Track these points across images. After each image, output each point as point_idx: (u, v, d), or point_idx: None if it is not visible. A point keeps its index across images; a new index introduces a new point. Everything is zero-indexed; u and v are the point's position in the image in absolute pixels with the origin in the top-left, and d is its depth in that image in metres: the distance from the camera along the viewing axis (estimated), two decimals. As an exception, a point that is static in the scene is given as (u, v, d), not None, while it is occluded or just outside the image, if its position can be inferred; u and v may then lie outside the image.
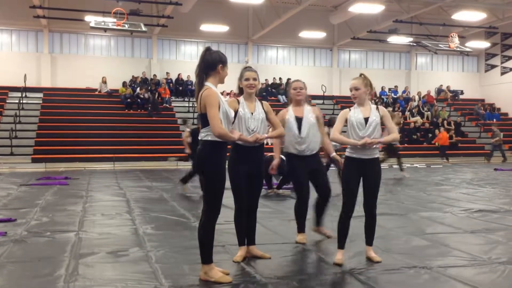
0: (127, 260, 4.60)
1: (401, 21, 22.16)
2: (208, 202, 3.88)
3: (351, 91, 4.52)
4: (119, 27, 18.18)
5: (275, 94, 24.99)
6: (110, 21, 18.21)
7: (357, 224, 4.88)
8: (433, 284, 3.92)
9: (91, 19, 18.55)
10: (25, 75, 21.07)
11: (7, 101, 20.94)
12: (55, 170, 15.70)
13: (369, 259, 4.49)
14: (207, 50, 4.04)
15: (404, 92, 27.26)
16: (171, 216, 6.93)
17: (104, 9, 18.60)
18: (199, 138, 3.95)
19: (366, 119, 4.42)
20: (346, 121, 4.47)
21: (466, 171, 15.47)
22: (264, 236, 5.58)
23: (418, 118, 24.75)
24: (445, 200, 8.77)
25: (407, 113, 25.26)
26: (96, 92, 22.64)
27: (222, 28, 23.74)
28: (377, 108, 4.53)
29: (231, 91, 23.37)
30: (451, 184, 11.39)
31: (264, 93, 24.78)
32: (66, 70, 22.92)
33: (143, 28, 18.42)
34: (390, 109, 25.39)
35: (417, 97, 26.88)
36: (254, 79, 4.62)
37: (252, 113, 4.53)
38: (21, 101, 20.62)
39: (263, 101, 4.79)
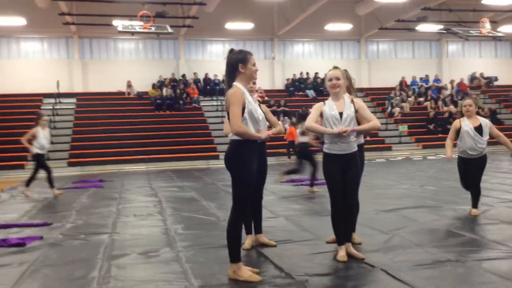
0: (158, 260, 4.66)
1: (429, 9, 21.64)
2: (236, 201, 3.89)
3: (331, 80, 4.39)
4: (146, 30, 18.40)
5: (302, 89, 24.85)
6: (137, 25, 18.46)
7: (380, 218, 4.80)
8: (468, 278, 3.82)
9: (119, 24, 18.85)
10: (57, 81, 21.59)
11: (42, 107, 21.48)
12: (90, 173, 16.07)
13: (352, 256, 4.36)
14: (229, 52, 4.07)
15: (436, 81, 26.65)
16: (202, 216, 6.98)
17: (131, 13, 18.85)
18: (228, 137, 3.97)
19: (341, 114, 4.34)
20: (321, 114, 4.39)
21: (503, 159, 15.02)
22: (295, 233, 5.57)
23: (451, 107, 24.17)
24: (483, 191, 8.51)
25: (439, 103, 24.70)
26: (125, 95, 23.00)
27: (247, 25, 23.75)
28: (352, 101, 4.43)
29: (258, 88, 23.38)
30: (486, 174, 11.05)
31: (291, 88, 24.70)
32: (97, 74, 23.37)
33: (169, 30, 18.59)
34: (422, 99, 24.91)
35: (449, 86, 26.25)
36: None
37: None
38: (55, 107, 21.15)
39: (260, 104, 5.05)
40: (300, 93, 24.72)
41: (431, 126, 22.26)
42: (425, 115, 23.16)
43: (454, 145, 6.36)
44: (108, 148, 18.90)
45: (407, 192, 8.77)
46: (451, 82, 26.43)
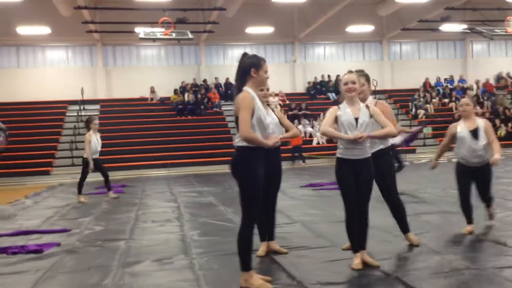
0: (172, 267, 4.66)
1: (453, 8, 21.26)
2: (245, 209, 3.85)
3: (346, 84, 4.30)
4: (167, 36, 18.56)
5: (324, 92, 24.69)
6: (158, 31, 18.64)
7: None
8: (486, 287, 3.69)
9: (140, 31, 19.06)
10: (82, 89, 21.97)
11: (67, 114, 21.90)
12: (113, 179, 16.23)
13: (367, 264, 4.26)
14: (242, 56, 4.04)
15: (461, 81, 26.13)
16: (218, 222, 6.96)
17: (152, 20, 19.04)
18: (234, 143, 3.93)
19: (357, 119, 4.25)
20: (336, 118, 4.31)
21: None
22: (310, 240, 5.50)
23: (477, 108, 23.65)
24: (505, 194, 8.30)
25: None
26: (148, 101, 23.25)
27: (268, 29, 23.74)
28: (367, 106, 4.35)
29: (279, 92, 23.34)
30: (509, 177, 10.79)
31: (313, 91, 24.57)
32: (120, 81, 23.69)
33: (190, 36, 18.71)
34: (447, 100, 24.46)
35: (475, 86, 25.71)
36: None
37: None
38: (79, 114, 21.51)
39: (274, 109, 5.08)
40: (322, 96, 24.56)
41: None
42: (450, 116, 22.72)
43: (451, 149, 5.88)
44: (130, 153, 19.11)
45: (430, 197, 8.59)
46: (477, 82, 25.88)
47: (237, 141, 3.86)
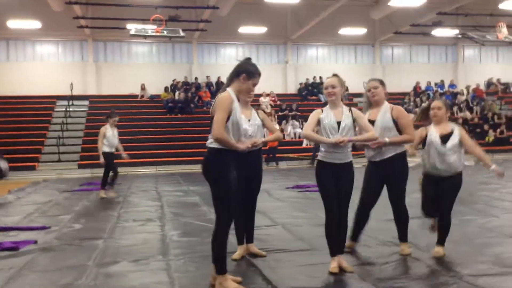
0: (147, 269, 4.59)
1: (445, 13, 21.34)
2: (218, 212, 3.80)
3: (326, 89, 4.33)
4: (158, 34, 18.46)
5: (315, 93, 24.68)
6: (149, 28, 18.53)
7: (385, 227, 4.65)
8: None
9: (131, 27, 18.93)
10: (71, 84, 21.79)
11: (55, 109, 21.70)
12: (100, 176, 16.10)
13: (343, 270, 4.23)
14: (246, 59, 4.05)
15: (451, 86, 26.24)
16: (200, 222, 6.90)
17: (144, 17, 18.92)
18: (206, 144, 3.87)
19: (339, 123, 4.23)
20: (318, 122, 4.29)
21: (518, 168, 14.65)
22: (291, 243, 5.45)
23: (466, 113, 23.78)
24: (489, 200, 8.32)
25: (454, 108, 24.30)
26: (138, 98, 23.11)
27: (261, 29, 23.68)
28: (350, 110, 4.34)
29: (270, 92, 23.30)
30: (498, 183, 10.81)
31: (304, 93, 24.56)
32: (110, 77, 23.53)
33: (181, 34, 18.62)
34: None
35: (465, 91, 25.83)
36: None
37: (249, 120, 4.69)
38: (68, 109, 21.33)
39: (258, 110, 5.01)
40: (313, 97, 24.56)
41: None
42: (439, 121, 22.79)
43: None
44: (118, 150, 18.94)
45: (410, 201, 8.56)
46: (467, 87, 26.00)
47: (209, 142, 3.81)
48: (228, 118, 3.73)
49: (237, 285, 3.81)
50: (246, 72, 3.88)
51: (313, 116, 4.33)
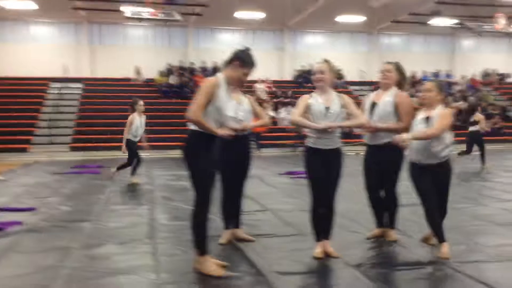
0: (133, 252, 4.56)
1: (443, 3, 21.19)
2: (196, 194, 3.79)
3: (315, 74, 4.27)
4: (154, 17, 18.26)
5: (311, 80, 24.53)
6: (145, 11, 18.32)
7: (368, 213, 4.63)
8: (444, 282, 3.65)
9: (127, 10, 18.70)
10: (65, 66, 21.58)
11: (48, 91, 21.50)
12: (92, 159, 16.05)
13: (328, 255, 4.22)
14: (246, 48, 3.98)
15: (447, 76, 26.18)
16: (190, 206, 6.82)
17: (140, -1, 18.71)
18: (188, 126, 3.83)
19: (327, 108, 4.17)
20: (306, 107, 4.22)
21: (509, 158, 14.69)
22: (279, 228, 5.43)
23: (461, 103, 23.74)
24: (480, 188, 8.32)
25: (450, 98, 24.26)
26: (133, 81, 22.93)
27: (258, 15, 23.44)
28: (338, 96, 4.28)
29: (266, 78, 23.16)
30: (489, 172, 10.83)
31: (300, 80, 24.45)
32: (105, 60, 23.30)
33: (177, 17, 18.43)
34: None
35: (461, 81, 25.78)
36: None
37: (238, 103, 4.68)
38: (61, 91, 21.15)
39: (247, 95, 4.94)
40: (309, 84, 24.42)
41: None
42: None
43: None
44: (112, 133, 18.83)
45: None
46: (463, 77, 25.95)
47: (189, 124, 3.77)
48: (211, 102, 3.67)
49: (216, 267, 3.79)
50: (239, 59, 3.83)
51: (301, 102, 4.28)
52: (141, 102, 9.89)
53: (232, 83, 3.86)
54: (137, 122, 9.61)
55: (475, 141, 12.29)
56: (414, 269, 3.92)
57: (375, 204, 4.81)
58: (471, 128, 12.40)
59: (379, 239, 4.77)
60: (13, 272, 3.96)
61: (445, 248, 4.18)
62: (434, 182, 4.28)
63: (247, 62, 3.84)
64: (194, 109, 3.64)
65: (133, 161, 9.66)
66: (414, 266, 3.99)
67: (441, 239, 4.25)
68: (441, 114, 4.21)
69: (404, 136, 4.13)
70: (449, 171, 4.37)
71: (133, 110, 9.71)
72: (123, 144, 9.56)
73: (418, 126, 4.28)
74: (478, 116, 12.58)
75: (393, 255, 4.34)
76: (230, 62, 3.85)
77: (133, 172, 9.59)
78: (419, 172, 4.31)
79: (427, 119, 4.26)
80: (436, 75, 26.18)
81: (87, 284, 3.67)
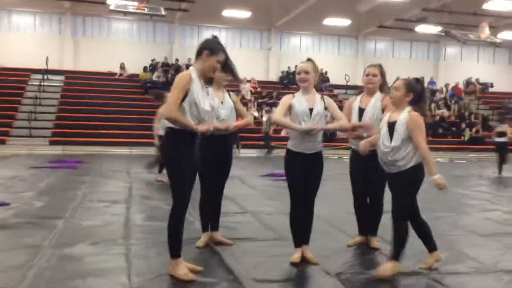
0: (105, 252, 4.38)
1: (430, 10, 21.32)
2: (174, 194, 3.66)
3: (299, 74, 4.14)
4: (139, 11, 18.00)
5: (296, 82, 24.49)
6: (130, 4, 18.05)
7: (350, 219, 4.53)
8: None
9: (112, 2, 18.39)
10: (47, 57, 21.16)
11: (29, 83, 21.07)
12: (71, 154, 15.74)
13: (307, 261, 4.11)
14: (212, 36, 3.87)
15: (431, 83, 26.37)
16: (168, 206, 6.63)
17: (125, -8, 18.40)
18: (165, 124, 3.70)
19: (311, 110, 4.07)
20: (289, 107, 4.10)
21: (490, 167, 14.80)
22: (258, 232, 5.31)
23: (444, 111, 23.95)
24: (461, 197, 8.31)
25: (432, 106, 24.44)
26: (117, 76, 22.60)
27: (245, 14, 23.33)
28: (322, 97, 4.18)
29: (251, 78, 23.05)
30: (471, 181, 10.88)
31: (285, 81, 24.40)
32: (88, 53, 22.93)
33: (163, 12, 18.19)
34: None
35: (444, 89, 26.00)
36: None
37: (222, 102, 4.54)
38: (42, 83, 20.74)
39: (230, 92, 4.80)
40: (294, 86, 24.38)
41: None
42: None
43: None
44: (93, 128, 18.54)
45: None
46: (446, 85, 26.18)
47: (166, 123, 3.64)
48: (185, 98, 3.55)
49: (187, 271, 3.65)
50: (207, 48, 3.69)
51: (284, 102, 4.15)
52: (167, 94, 9.49)
53: (207, 73, 3.73)
54: None
55: (501, 150, 12.59)
56: (395, 279, 3.83)
57: (361, 210, 4.70)
58: (498, 139, 12.77)
59: (361, 247, 4.68)
60: (-24, 271, 3.77)
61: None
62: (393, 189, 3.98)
63: (216, 49, 3.71)
64: (169, 106, 3.53)
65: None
66: (394, 275, 3.90)
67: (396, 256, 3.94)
68: (411, 124, 3.71)
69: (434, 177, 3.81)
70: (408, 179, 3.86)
71: (161, 103, 9.01)
72: (156, 137, 8.98)
73: (383, 130, 3.90)
74: (506, 127, 12.88)
75: (374, 263, 4.24)
76: (199, 54, 3.71)
77: (162, 170, 9.02)
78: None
79: (392, 125, 3.81)
80: (420, 81, 26.33)
81: (56, 286, 3.50)
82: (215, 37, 3.86)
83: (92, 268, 3.91)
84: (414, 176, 3.83)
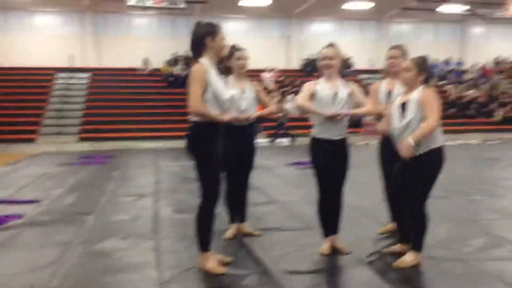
0: (135, 247, 4.39)
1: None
2: (202, 188, 3.62)
3: (323, 60, 4.00)
4: (157, 5, 18.03)
5: (319, 69, 24.22)
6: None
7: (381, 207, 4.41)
8: (464, 280, 3.44)
9: (130, -2, 18.49)
10: (71, 56, 21.43)
11: (55, 81, 21.39)
12: (100, 149, 15.92)
13: (337, 250, 4.01)
14: (196, 25, 3.70)
15: (458, 64, 25.74)
16: (196, 199, 6.65)
17: (144, -13, 18.46)
18: (190, 118, 3.63)
19: (335, 95, 3.93)
20: (313, 94, 3.97)
21: None
22: (286, 221, 5.24)
23: (473, 92, 23.34)
24: (496, 181, 8.06)
25: (461, 86, 23.86)
26: (140, 72, 22.75)
27: (264, 1, 23.10)
28: (346, 83, 4.05)
29: (273, 68, 22.87)
30: (505, 162, 10.56)
31: (308, 69, 24.15)
32: (110, 50, 23.11)
33: (182, 5, 18.18)
34: (443, 82, 24.12)
35: (472, 69, 25.33)
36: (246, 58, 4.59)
37: (242, 92, 4.46)
38: (68, 82, 21.02)
39: (253, 81, 4.72)
40: (317, 73, 24.10)
41: (451, 111, 21.52)
42: (445, 99, 22.40)
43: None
44: (119, 124, 18.72)
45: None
46: (474, 65, 25.50)
47: (191, 116, 3.57)
48: (206, 90, 3.50)
49: (215, 265, 3.62)
50: (207, 34, 3.59)
51: (307, 88, 4.04)
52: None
53: (219, 55, 3.68)
54: None
55: None
56: (434, 268, 3.70)
57: (393, 198, 4.40)
58: None
59: (394, 234, 4.55)
60: (8, 269, 3.80)
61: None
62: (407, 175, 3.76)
63: (213, 29, 3.62)
64: (193, 101, 3.47)
65: None
66: (433, 265, 3.77)
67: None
68: (425, 98, 3.60)
69: (409, 141, 3.56)
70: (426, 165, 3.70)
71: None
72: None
73: (395, 112, 3.78)
74: None
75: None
76: (202, 45, 3.59)
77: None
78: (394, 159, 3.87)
79: (403, 105, 3.71)
80: (446, 63, 25.77)
81: (85, 283, 3.50)
82: (199, 23, 3.72)
83: (122, 263, 3.91)
84: (433, 160, 3.69)
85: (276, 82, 22.21)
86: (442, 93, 23.35)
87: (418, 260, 3.70)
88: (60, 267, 3.81)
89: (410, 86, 3.76)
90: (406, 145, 3.59)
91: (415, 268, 3.65)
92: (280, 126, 17.95)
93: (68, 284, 3.46)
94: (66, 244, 4.43)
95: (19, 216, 5.48)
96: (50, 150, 15.68)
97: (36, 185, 8.09)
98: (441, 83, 24.20)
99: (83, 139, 17.65)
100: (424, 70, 3.73)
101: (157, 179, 8.68)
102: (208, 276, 3.56)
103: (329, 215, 4.06)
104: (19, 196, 6.91)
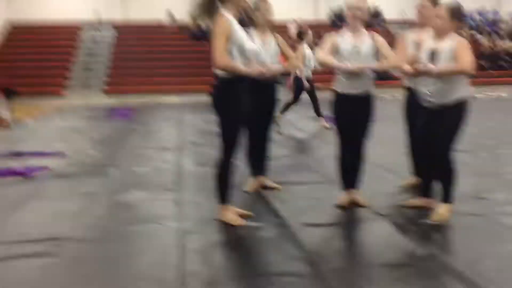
0: (157, 199, 4.48)
1: None
2: (223, 143, 3.63)
3: (351, 10, 3.84)
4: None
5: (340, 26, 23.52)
6: None
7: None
8: (486, 236, 3.40)
9: None
10: (97, 10, 21.32)
11: (81, 35, 21.42)
12: (125, 103, 16.07)
13: (356, 204, 3.98)
14: None
15: (493, 13, 24.61)
16: (217, 152, 6.70)
17: None
18: (216, 72, 3.57)
19: (359, 48, 3.81)
20: (334, 47, 3.84)
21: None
22: (306, 175, 5.24)
23: (506, 42, 22.41)
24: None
25: (495, 37, 22.90)
26: (165, 26, 22.51)
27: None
28: (371, 35, 3.88)
29: (297, 19, 22.29)
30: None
31: (338, 22, 23.44)
32: (137, 3, 22.83)
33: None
34: (475, 32, 23.18)
35: (508, 19, 24.22)
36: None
37: (265, 46, 4.35)
38: (94, 36, 21.04)
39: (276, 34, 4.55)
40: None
41: (484, 63, 20.79)
42: (477, 50, 21.57)
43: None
44: (144, 76, 18.77)
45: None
46: (510, 14, 24.34)
47: (217, 71, 3.52)
48: (230, 42, 3.41)
49: (236, 216, 3.67)
50: None
51: (328, 40, 3.91)
52: (310, 32, 9.12)
53: (240, 6, 3.57)
54: (307, 53, 8.76)
55: None
56: (452, 220, 3.66)
57: (417, 153, 4.23)
58: None
59: (415, 189, 4.50)
60: (34, 219, 3.93)
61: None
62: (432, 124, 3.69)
63: None
64: (218, 55, 3.39)
65: (297, 99, 8.98)
66: (452, 217, 3.72)
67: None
68: (458, 48, 3.47)
69: (434, 68, 3.48)
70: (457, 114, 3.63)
71: (300, 40, 8.74)
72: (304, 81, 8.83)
73: (424, 58, 3.63)
74: None
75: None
76: None
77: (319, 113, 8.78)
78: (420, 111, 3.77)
79: (433, 54, 3.57)
80: (480, 12, 24.66)
81: (109, 233, 3.60)
82: None
83: (145, 215, 4.00)
84: (459, 110, 3.60)
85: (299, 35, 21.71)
86: (474, 43, 22.49)
87: (451, 211, 3.65)
88: (84, 218, 3.93)
89: (440, 34, 3.60)
90: (428, 68, 3.51)
91: (437, 223, 3.62)
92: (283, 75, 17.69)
93: (92, 234, 3.57)
94: (90, 195, 4.55)
95: (46, 168, 5.63)
96: (76, 103, 15.94)
97: (62, 138, 8.27)
98: (473, 33, 23.28)
99: (108, 93, 17.83)
100: (457, 18, 3.61)
101: (180, 132, 8.76)
102: (227, 227, 3.61)
103: (349, 170, 4.02)
104: (47, 149, 7.07)
